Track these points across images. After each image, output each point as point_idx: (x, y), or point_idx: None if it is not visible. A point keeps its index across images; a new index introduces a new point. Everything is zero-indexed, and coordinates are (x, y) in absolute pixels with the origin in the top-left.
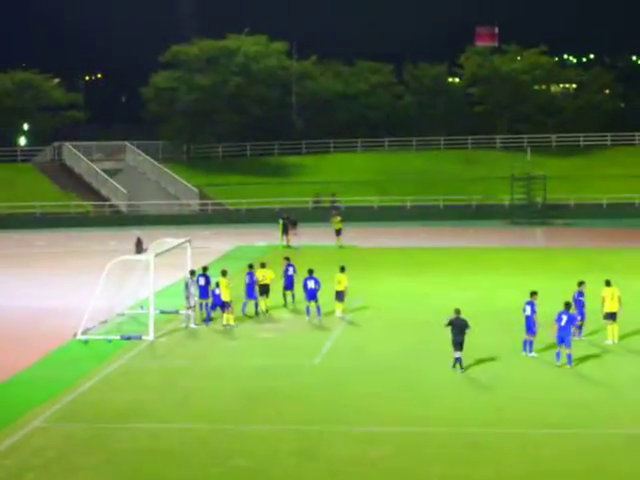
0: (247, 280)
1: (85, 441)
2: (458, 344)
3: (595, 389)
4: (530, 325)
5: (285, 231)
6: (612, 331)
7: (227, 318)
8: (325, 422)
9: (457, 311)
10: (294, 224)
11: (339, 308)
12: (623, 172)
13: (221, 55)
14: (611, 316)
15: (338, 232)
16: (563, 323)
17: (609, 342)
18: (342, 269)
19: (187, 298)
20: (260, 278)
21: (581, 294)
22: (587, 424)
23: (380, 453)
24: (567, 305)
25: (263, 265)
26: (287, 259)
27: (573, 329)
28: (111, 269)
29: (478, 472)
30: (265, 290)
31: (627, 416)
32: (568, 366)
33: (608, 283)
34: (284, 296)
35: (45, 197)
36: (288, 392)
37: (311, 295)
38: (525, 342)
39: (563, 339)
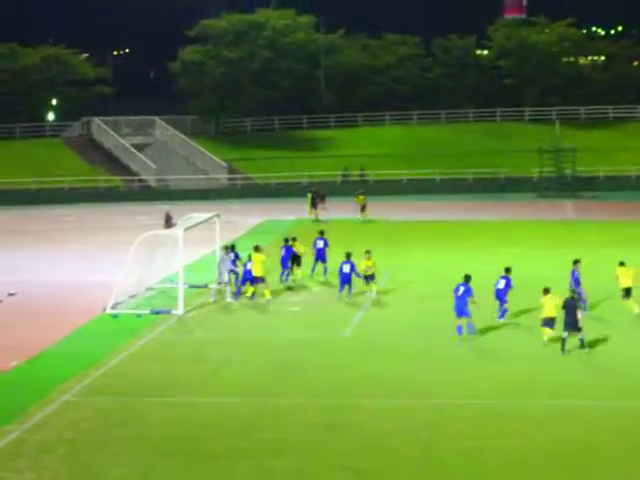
0: (283, 253)
1: (116, 414)
2: (567, 324)
3: (623, 360)
4: (501, 296)
5: (314, 205)
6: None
7: (251, 291)
8: (354, 395)
9: (571, 291)
10: (323, 198)
11: (372, 289)
12: None
13: (249, 29)
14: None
15: (363, 208)
16: (460, 293)
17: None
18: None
19: (221, 274)
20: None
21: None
22: (616, 396)
23: (409, 426)
24: (466, 277)
25: (294, 239)
26: (321, 232)
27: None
28: (140, 244)
29: (507, 443)
30: (297, 261)
31: None
32: (471, 334)
33: (622, 263)
34: (313, 268)
35: (74, 172)
36: (317, 365)
37: (345, 279)
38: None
39: (462, 310)
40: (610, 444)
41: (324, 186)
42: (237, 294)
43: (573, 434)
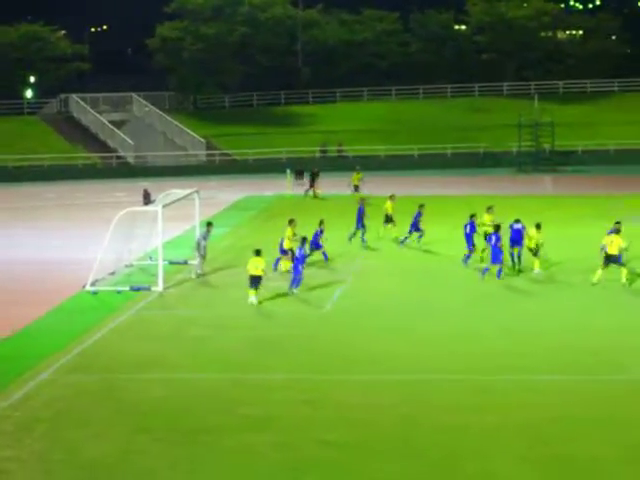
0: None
1: (95, 392)
2: None
3: (603, 335)
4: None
5: (312, 184)
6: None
7: (285, 265)
8: (334, 371)
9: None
10: (301, 174)
11: (252, 294)
12: (630, 118)
13: (227, 5)
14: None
15: (356, 188)
16: (493, 243)
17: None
18: (258, 253)
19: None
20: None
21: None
22: (593, 370)
23: (388, 401)
24: (497, 227)
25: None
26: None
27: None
28: (119, 221)
29: (485, 419)
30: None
31: (631, 362)
32: (497, 279)
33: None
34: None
35: (52, 149)
36: (297, 341)
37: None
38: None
39: (497, 257)
40: (587, 417)
41: (302, 162)
42: (275, 265)
43: (554, 409)
